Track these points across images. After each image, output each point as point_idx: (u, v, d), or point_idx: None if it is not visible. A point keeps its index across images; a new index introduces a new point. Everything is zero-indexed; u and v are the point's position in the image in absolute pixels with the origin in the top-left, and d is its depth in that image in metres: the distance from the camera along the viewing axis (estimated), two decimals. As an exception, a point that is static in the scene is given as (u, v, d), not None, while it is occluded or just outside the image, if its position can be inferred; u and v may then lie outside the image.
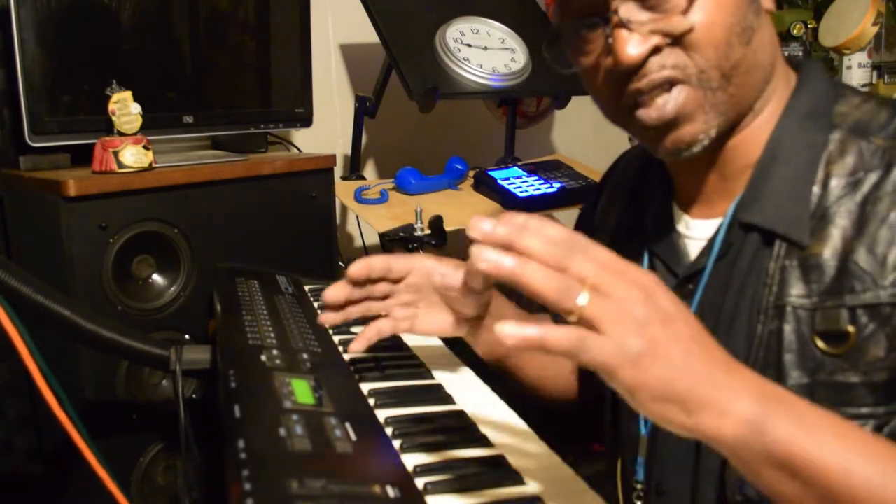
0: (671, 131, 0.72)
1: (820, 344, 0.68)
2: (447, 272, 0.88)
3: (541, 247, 0.52)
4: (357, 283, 0.87)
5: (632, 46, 0.68)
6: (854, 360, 0.67)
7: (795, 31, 2.04)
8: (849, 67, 2.05)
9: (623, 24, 0.69)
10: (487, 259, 0.51)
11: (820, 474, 0.51)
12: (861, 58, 2.03)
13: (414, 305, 0.90)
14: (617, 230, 0.91)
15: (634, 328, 0.51)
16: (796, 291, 0.70)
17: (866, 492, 0.51)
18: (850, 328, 0.67)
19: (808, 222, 0.70)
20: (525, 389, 1.00)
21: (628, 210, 0.90)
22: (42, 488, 1.57)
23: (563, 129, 2.70)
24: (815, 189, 0.71)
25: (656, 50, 0.69)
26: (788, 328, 0.70)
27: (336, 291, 0.86)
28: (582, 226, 1.06)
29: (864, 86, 2.05)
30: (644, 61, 0.69)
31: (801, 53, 2.02)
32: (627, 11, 0.69)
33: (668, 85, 0.70)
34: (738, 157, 0.76)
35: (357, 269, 0.85)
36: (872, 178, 0.68)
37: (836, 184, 0.70)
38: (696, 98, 0.70)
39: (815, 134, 0.73)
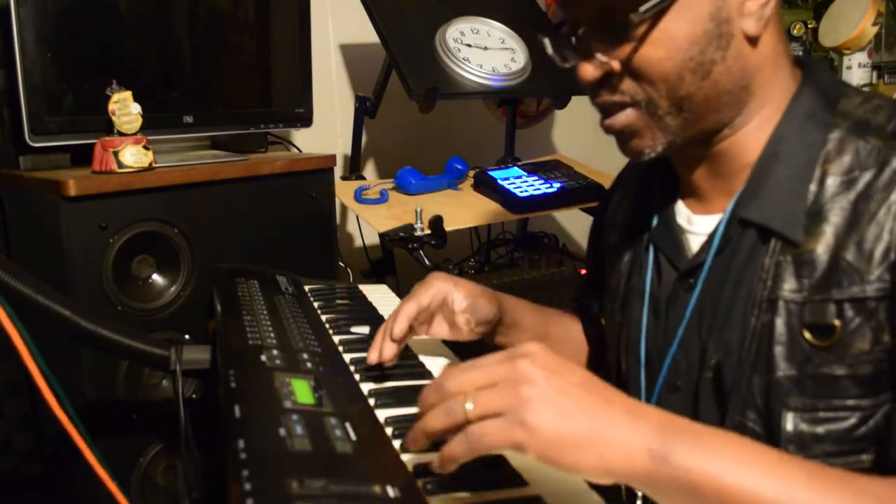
0: (623, 142, 0.78)
1: (808, 336, 0.70)
2: (458, 299, 0.94)
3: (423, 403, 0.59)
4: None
5: (585, 69, 0.75)
6: (840, 353, 0.68)
7: (795, 31, 2.05)
8: (849, 67, 2.05)
9: (582, 49, 0.75)
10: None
11: (726, 496, 0.52)
12: (861, 58, 2.03)
13: (430, 318, 0.96)
14: (624, 225, 0.93)
15: (516, 397, 0.55)
16: (789, 286, 0.71)
17: None
18: (837, 322, 0.68)
19: (803, 220, 0.71)
20: None
21: (636, 205, 0.92)
22: (42, 488, 1.57)
23: (563, 129, 2.70)
24: (812, 187, 0.72)
25: (612, 74, 0.74)
26: (780, 321, 0.71)
27: (390, 352, 0.89)
28: (595, 223, 1.09)
29: (864, 86, 2.05)
30: (601, 81, 0.75)
31: (801, 53, 2.02)
32: (587, 37, 0.74)
33: (618, 105, 0.76)
34: (736, 156, 0.78)
35: (399, 329, 0.88)
36: (867, 176, 0.69)
37: (832, 182, 0.71)
38: (644, 119, 0.75)
39: (814, 134, 0.74)
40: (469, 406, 0.55)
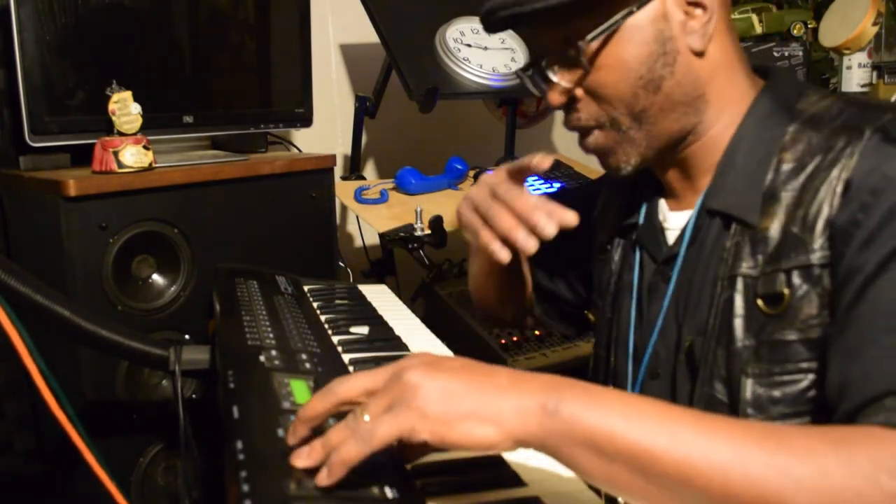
0: (601, 160, 0.86)
1: (761, 305, 0.75)
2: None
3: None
4: None
5: (551, 96, 0.83)
6: (791, 319, 0.73)
7: (795, 31, 2.04)
8: (849, 67, 2.05)
9: (544, 79, 0.83)
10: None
11: (619, 443, 0.54)
12: (861, 58, 2.03)
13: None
14: (614, 225, 0.97)
15: (401, 387, 0.56)
16: (746, 264, 0.77)
17: (665, 453, 0.53)
18: (786, 290, 0.73)
19: (759, 205, 0.77)
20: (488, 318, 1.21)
21: (625, 207, 0.95)
22: (42, 488, 1.58)
23: (563, 129, 2.68)
24: (769, 175, 0.77)
25: (575, 98, 0.82)
26: (738, 296, 0.77)
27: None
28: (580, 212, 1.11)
29: (864, 86, 2.04)
30: (567, 106, 0.83)
31: (801, 53, 2.02)
32: (550, 68, 0.82)
33: (586, 129, 0.83)
34: (704, 158, 0.83)
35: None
36: (816, 161, 0.74)
37: (785, 168, 0.76)
38: (612, 137, 0.82)
39: (773, 129, 0.79)
40: (366, 418, 0.56)
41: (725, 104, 0.82)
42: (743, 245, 0.77)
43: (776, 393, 0.74)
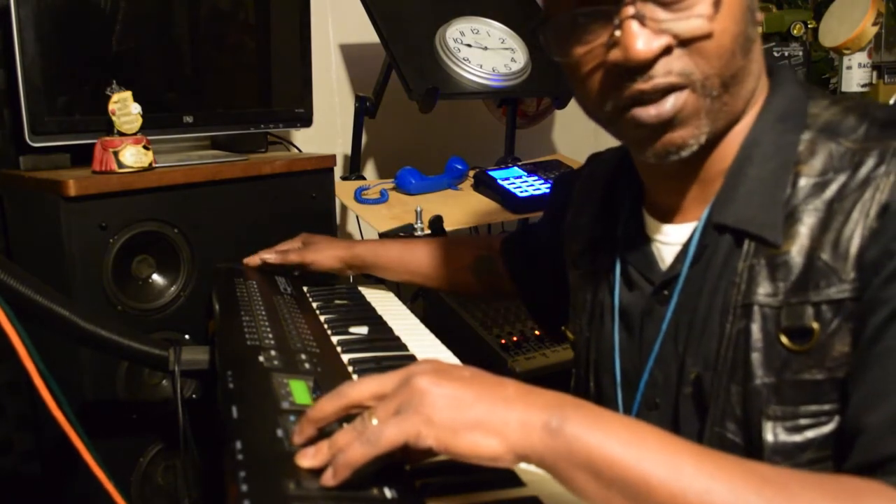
0: (665, 133, 0.70)
1: (785, 341, 0.68)
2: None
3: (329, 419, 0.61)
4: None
5: (643, 42, 0.66)
6: (819, 357, 0.66)
7: (795, 31, 2.04)
8: (849, 67, 2.04)
9: (637, 18, 0.66)
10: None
11: (617, 470, 0.53)
12: (861, 58, 2.03)
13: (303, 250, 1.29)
14: (589, 236, 0.90)
15: (409, 391, 0.57)
16: (763, 290, 0.69)
17: (660, 485, 0.52)
18: (815, 324, 0.66)
19: (781, 222, 0.69)
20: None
21: (599, 218, 0.89)
22: (42, 488, 1.58)
23: (563, 129, 2.70)
24: (787, 189, 0.70)
25: (666, 50, 0.67)
26: (755, 327, 0.69)
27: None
28: (548, 227, 1.06)
29: (864, 86, 2.05)
30: (652, 61, 0.67)
31: (801, 53, 2.02)
32: (644, 6, 0.66)
33: (671, 89, 0.68)
34: (716, 162, 0.75)
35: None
36: (841, 178, 0.68)
37: (804, 183, 0.69)
38: (696, 104, 0.69)
39: (787, 135, 0.72)
40: (374, 422, 0.56)
41: (758, 95, 0.74)
42: (758, 268, 0.69)
43: (802, 438, 0.67)
